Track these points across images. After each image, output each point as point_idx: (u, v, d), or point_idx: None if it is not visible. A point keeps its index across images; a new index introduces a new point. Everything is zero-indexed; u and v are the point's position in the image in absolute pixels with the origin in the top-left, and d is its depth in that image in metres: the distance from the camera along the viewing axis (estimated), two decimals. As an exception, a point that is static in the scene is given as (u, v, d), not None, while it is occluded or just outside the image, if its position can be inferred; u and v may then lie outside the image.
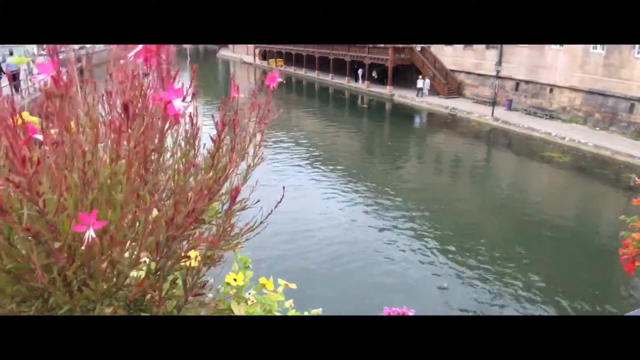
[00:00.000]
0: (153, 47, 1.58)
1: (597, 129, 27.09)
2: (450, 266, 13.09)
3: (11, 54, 30.84)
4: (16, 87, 24.25)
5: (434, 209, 17.40)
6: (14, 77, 23.81)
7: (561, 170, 22.60)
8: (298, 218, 15.13)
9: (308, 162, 22.78)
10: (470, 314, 10.43)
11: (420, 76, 38.01)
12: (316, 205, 17.25)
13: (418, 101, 36.81)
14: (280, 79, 1.78)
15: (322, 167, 21.98)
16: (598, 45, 27.37)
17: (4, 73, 24.62)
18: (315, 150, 25.04)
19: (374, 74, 43.51)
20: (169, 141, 1.60)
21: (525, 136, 27.42)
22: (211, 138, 1.63)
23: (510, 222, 16.83)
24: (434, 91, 37.16)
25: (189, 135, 1.64)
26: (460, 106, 33.74)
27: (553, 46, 30.07)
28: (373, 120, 35.11)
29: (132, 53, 1.56)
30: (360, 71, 44.68)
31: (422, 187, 20.26)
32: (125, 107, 1.42)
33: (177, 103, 1.43)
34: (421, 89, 36.99)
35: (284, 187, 2.58)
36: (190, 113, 1.60)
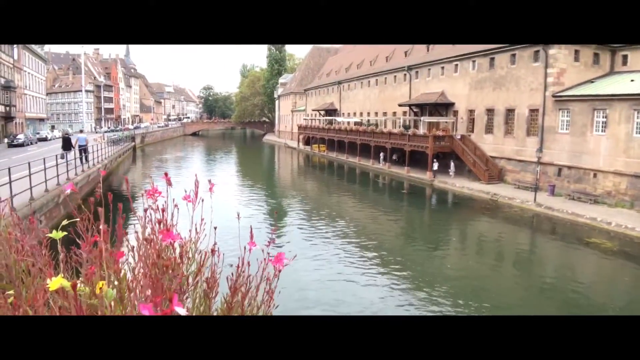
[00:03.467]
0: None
1: (645, 213, 26.19)
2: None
3: (81, 131, 41.41)
4: (86, 158, 29.03)
5: (477, 298, 16.85)
6: (84, 151, 29.07)
7: (609, 256, 21.68)
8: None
9: (351, 246, 22.73)
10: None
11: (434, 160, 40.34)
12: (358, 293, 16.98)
13: (459, 187, 36.72)
14: (287, 260, 1.76)
15: (362, 252, 21.86)
16: (641, 130, 27.10)
17: (73, 147, 27.90)
18: (357, 234, 25.01)
19: (395, 156, 47.82)
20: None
21: (569, 222, 26.69)
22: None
23: (556, 312, 16.04)
24: (460, 173, 37.49)
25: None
26: (501, 192, 33.39)
27: (595, 132, 29.92)
28: (414, 205, 35.00)
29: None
30: (382, 154, 49.21)
31: (464, 275, 19.72)
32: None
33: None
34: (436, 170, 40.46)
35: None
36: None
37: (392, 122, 53.92)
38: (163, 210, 1.61)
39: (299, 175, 54.72)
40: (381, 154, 49.49)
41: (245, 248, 1.66)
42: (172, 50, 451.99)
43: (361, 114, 63.13)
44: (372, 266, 19.52)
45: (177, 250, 1.63)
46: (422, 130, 44.41)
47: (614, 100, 28.68)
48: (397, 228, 27.63)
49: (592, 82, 32.59)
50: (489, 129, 39.18)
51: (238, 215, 1.84)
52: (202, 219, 1.69)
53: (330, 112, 73.46)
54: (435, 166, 40.25)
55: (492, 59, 38.50)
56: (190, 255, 1.63)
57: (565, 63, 32.70)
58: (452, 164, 40.20)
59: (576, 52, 32.98)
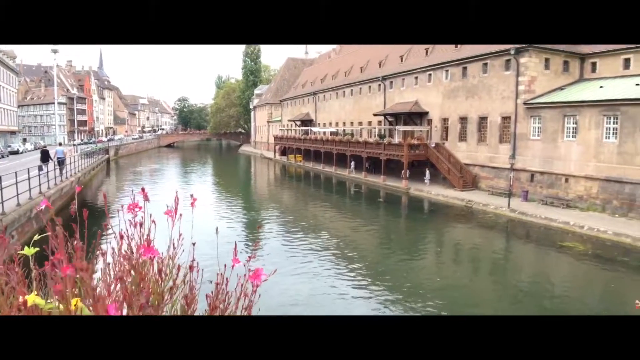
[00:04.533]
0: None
1: (616, 216, 26.77)
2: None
3: (60, 144, 42.58)
4: (61, 170, 30.36)
5: (455, 305, 16.99)
6: (62, 163, 30.83)
7: (582, 259, 22.05)
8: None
9: (323, 253, 22.73)
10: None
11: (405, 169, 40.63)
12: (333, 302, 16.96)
13: (434, 194, 37.07)
14: (265, 276, 1.77)
15: (341, 264, 21.89)
16: (611, 135, 27.74)
17: (51, 159, 30.01)
18: (333, 242, 25.04)
19: (367, 164, 48.68)
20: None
21: (543, 226, 27.13)
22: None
23: (532, 313, 16.24)
24: (435, 181, 37.97)
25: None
26: (476, 198, 33.80)
27: (566, 138, 30.54)
28: (391, 214, 35.18)
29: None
30: (353, 163, 50.46)
31: (442, 283, 19.86)
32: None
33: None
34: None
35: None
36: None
37: (368, 131, 54.27)
38: (141, 225, 1.62)
39: (275, 186, 54.59)
40: (352, 163, 50.52)
41: (225, 265, 1.67)
42: (146, 62, 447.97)
43: (337, 124, 63.41)
44: (352, 278, 19.53)
45: (155, 267, 1.64)
46: (397, 139, 44.81)
47: (584, 107, 29.33)
48: (375, 237, 27.73)
49: (562, 89, 33.29)
50: (462, 136, 39.69)
51: (216, 230, 1.86)
52: (180, 235, 1.70)
53: (306, 122, 73.59)
54: (408, 174, 40.59)
55: (465, 68, 39.10)
56: (169, 272, 1.64)
57: (535, 71, 33.36)
58: (427, 171, 40.64)
59: (546, 60, 33.68)
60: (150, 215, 1.70)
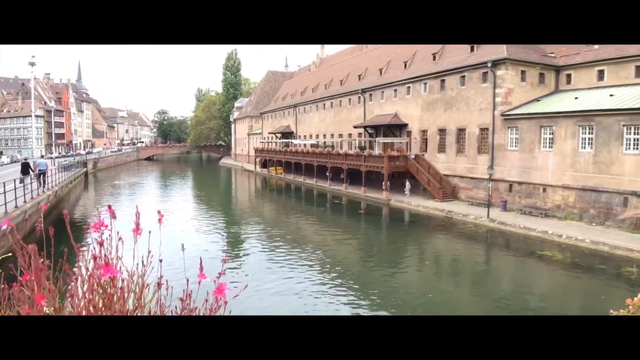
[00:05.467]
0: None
1: (593, 224, 27.18)
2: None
3: (42, 157, 46.21)
4: (43, 182, 31.25)
5: (436, 312, 17.02)
6: (43, 174, 31.52)
7: (560, 268, 22.30)
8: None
9: (305, 265, 22.66)
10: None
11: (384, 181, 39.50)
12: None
13: (414, 205, 37.27)
14: (228, 291, 1.76)
15: (324, 277, 21.83)
16: (587, 145, 28.23)
17: (32, 170, 31.03)
18: (315, 255, 24.98)
19: (341, 175, 49.62)
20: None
21: (522, 236, 27.41)
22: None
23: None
24: (415, 192, 38.19)
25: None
26: (456, 209, 34.06)
27: (543, 148, 30.99)
28: (372, 225, 35.25)
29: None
30: (329, 174, 51.02)
31: (425, 296, 19.92)
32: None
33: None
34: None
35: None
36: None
37: (348, 143, 54.48)
38: (101, 244, 1.60)
39: (257, 199, 54.40)
40: (330, 174, 51.09)
41: (188, 280, 1.66)
42: (125, 75, 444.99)
43: (317, 136, 63.56)
44: (334, 291, 19.46)
45: (123, 284, 1.62)
46: (377, 151, 45.05)
47: (560, 118, 29.83)
48: (356, 249, 27.72)
49: (539, 100, 33.84)
50: (441, 148, 40.05)
51: (182, 247, 1.84)
52: (149, 252, 1.68)
53: (287, 134, 73.65)
54: (389, 185, 40.80)
55: (443, 80, 39.55)
56: (138, 290, 1.62)
57: (512, 83, 33.88)
58: (407, 183, 40.88)
59: (522, 72, 34.24)
60: (118, 232, 1.68)
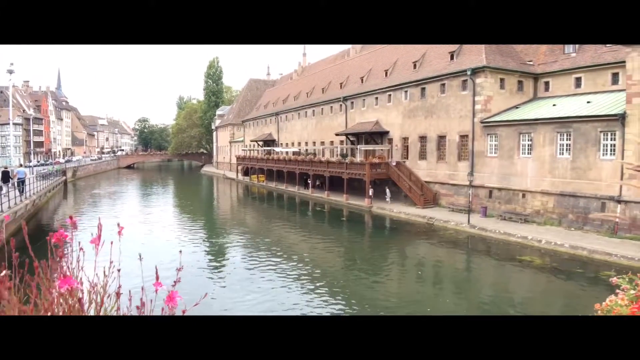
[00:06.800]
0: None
1: (572, 229, 27.56)
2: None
3: (21, 165, 46.13)
4: (22, 191, 31.78)
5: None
6: (22, 183, 32.26)
7: (540, 273, 22.55)
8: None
9: (291, 274, 22.59)
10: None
11: (371, 186, 39.34)
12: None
13: (396, 212, 37.43)
14: (179, 297, 1.76)
15: (307, 285, 21.77)
16: (565, 151, 28.64)
17: (12, 179, 32.10)
18: (297, 263, 24.92)
19: (318, 182, 50.58)
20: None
21: (502, 241, 27.67)
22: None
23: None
24: (397, 199, 38.43)
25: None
26: (437, 215, 34.28)
27: (522, 155, 31.37)
28: (354, 232, 35.27)
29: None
30: (310, 181, 51.38)
31: (405, 301, 19.98)
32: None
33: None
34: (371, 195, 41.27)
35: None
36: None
37: (330, 151, 54.61)
38: (61, 256, 1.59)
39: (238, 207, 54.15)
40: (310, 182, 51.33)
41: (143, 288, 1.66)
42: (106, 82, 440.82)
43: (299, 143, 63.62)
44: (317, 299, 19.42)
45: (84, 295, 1.62)
46: (359, 158, 45.21)
47: (538, 124, 30.25)
48: (339, 257, 27.71)
49: (517, 107, 34.29)
50: (422, 155, 40.33)
51: (139, 256, 1.84)
52: (110, 262, 1.67)
53: (269, 142, 73.57)
54: (371, 192, 40.95)
55: (423, 88, 39.91)
56: (99, 300, 1.61)
57: (491, 91, 34.29)
58: (387, 190, 41.10)
59: (501, 80, 34.69)
60: (79, 243, 1.67)
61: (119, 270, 1.66)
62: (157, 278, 1.66)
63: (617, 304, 2.93)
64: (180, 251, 27.78)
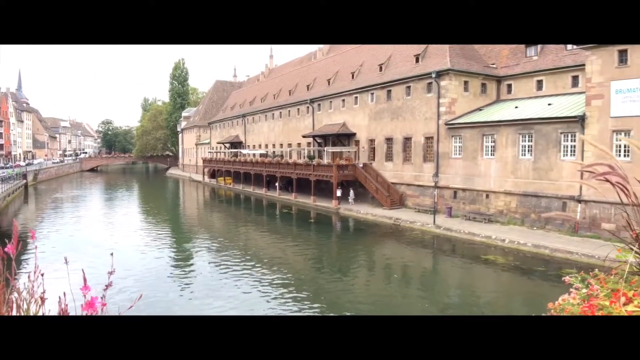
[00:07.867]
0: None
1: (535, 228, 28.18)
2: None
3: None
4: None
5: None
6: None
7: (504, 271, 22.97)
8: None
9: (256, 274, 22.47)
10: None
11: (339, 187, 39.45)
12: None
13: (363, 213, 37.65)
14: (100, 304, 1.70)
15: (274, 288, 21.68)
16: (527, 152, 29.28)
17: None
18: (264, 265, 24.80)
19: (281, 184, 51.27)
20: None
21: (467, 241, 28.10)
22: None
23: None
24: (364, 200, 38.68)
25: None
26: (403, 216, 34.61)
27: (485, 156, 31.94)
28: (322, 234, 35.31)
29: None
30: (277, 183, 51.58)
31: (372, 300, 20.07)
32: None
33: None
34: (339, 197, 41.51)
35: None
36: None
37: (297, 153, 54.60)
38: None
39: (205, 209, 53.60)
40: (277, 184, 51.40)
41: (65, 293, 1.62)
42: (68, 84, 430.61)
43: (266, 145, 63.44)
44: (288, 303, 19.35)
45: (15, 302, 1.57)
46: (326, 160, 45.34)
47: (501, 126, 30.85)
48: (307, 258, 27.68)
49: (481, 109, 34.90)
50: (389, 156, 40.69)
51: (65, 260, 1.79)
52: (36, 267, 1.61)
53: (236, 144, 73.15)
54: (339, 193, 41.13)
55: (389, 91, 40.27)
56: (25, 305, 1.57)
57: (456, 93, 34.82)
58: (351, 191, 41.39)
59: (465, 82, 35.25)
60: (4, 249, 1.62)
61: (42, 275, 1.61)
62: (85, 282, 1.62)
63: (569, 303, 2.99)
64: (112, 253, 27.40)
